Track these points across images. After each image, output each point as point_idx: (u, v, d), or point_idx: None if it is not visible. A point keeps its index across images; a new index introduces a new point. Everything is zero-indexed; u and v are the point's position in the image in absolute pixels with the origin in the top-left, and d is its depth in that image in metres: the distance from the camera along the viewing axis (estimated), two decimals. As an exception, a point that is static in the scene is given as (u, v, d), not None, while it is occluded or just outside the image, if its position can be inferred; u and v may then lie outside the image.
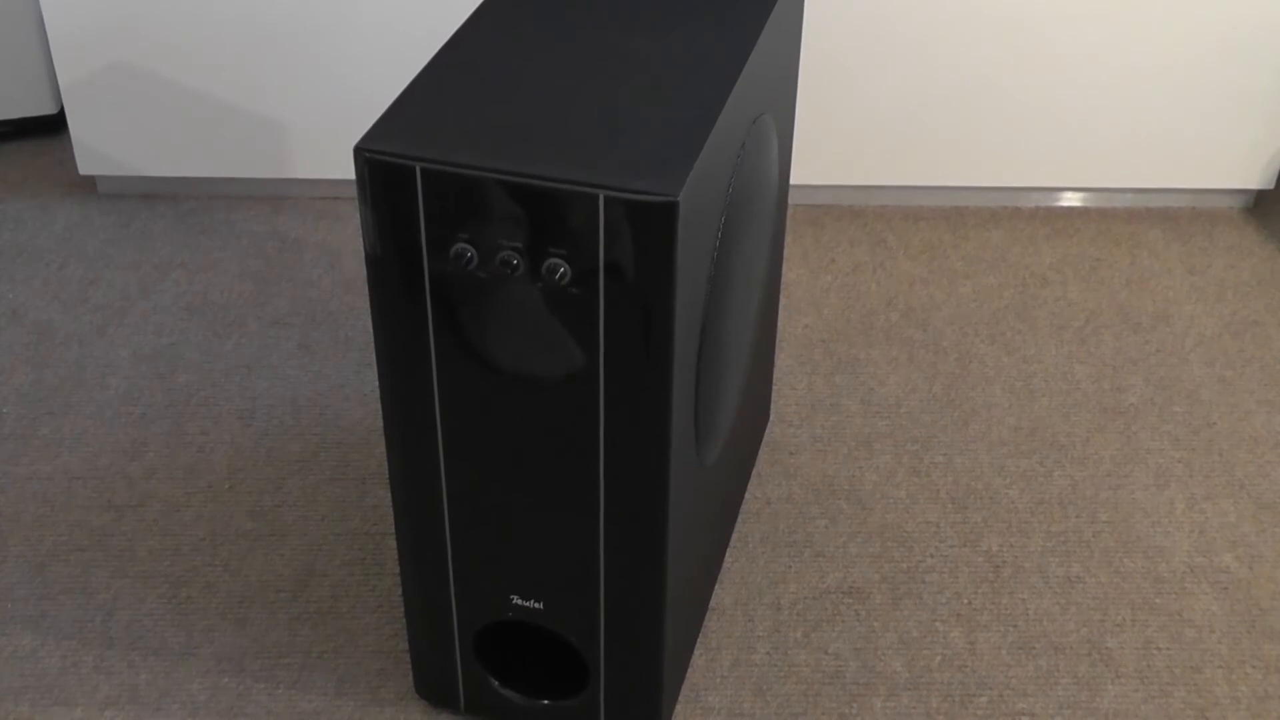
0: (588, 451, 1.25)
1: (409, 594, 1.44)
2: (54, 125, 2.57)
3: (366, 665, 1.58)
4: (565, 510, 1.30)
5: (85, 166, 2.32)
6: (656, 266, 1.13)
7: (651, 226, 1.11)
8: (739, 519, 1.75)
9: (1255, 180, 2.29)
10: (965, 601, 1.64)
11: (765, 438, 1.87)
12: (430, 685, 1.51)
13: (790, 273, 2.19)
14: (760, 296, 1.57)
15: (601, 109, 1.20)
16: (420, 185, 1.13)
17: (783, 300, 2.13)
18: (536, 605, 1.38)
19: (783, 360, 2.01)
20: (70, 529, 1.76)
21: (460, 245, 1.15)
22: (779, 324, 2.08)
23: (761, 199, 1.45)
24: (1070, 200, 2.35)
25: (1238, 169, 2.28)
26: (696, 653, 1.59)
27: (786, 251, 2.24)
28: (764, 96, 1.39)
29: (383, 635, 1.61)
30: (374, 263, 1.20)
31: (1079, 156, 2.27)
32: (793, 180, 2.33)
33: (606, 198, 1.10)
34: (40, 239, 2.29)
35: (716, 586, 1.66)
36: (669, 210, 1.10)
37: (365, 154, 1.14)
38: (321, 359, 2.02)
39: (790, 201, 2.36)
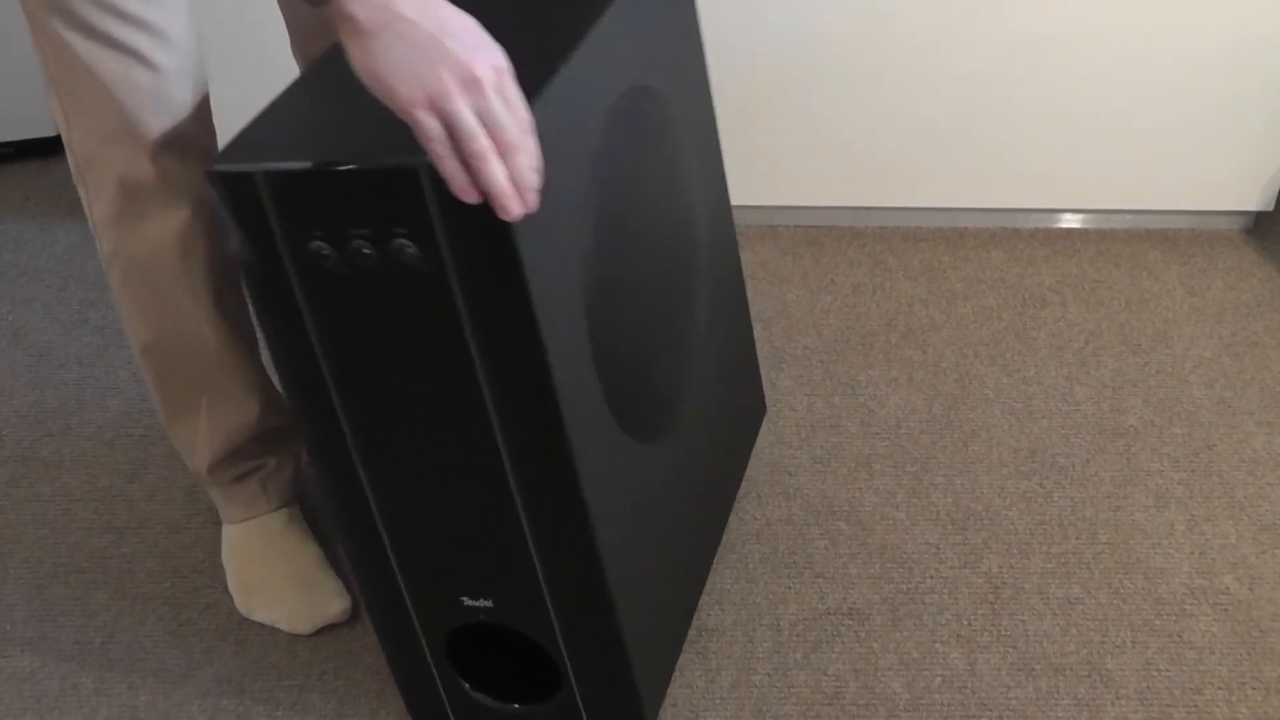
0: (484, 433, 1.26)
1: (374, 614, 1.45)
2: (55, 147, 2.57)
3: (366, 686, 1.58)
4: (484, 499, 1.31)
5: (86, 188, 2.33)
6: (493, 232, 1.14)
7: None
8: (740, 539, 1.75)
9: (1255, 202, 2.29)
10: (965, 623, 1.64)
11: (765, 457, 1.87)
12: (420, 706, 1.51)
13: (790, 293, 2.20)
14: (705, 279, 1.58)
15: None
16: (265, 190, 1.16)
17: (782, 320, 2.13)
18: (486, 604, 1.39)
19: (782, 381, 2.01)
20: (70, 551, 1.76)
21: (316, 244, 1.18)
22: (779, 344, 2.08)
23: (673, 174, 1.46)
24: (1070, 221, 2.36)
25: (1237, 190, 2.28)
26: (696, 672, 1.58)
27: (786, 272, 2.24)
28: (641, 71, 1.40)
29: (382, 656, 1.61)
30: (249, 276, 1.23)
31: (1078, 178, 2.28)
32: (793, 201, 2.33)
33: (428, 166, 1.11)
34: (40, 260, 2.29)
35: (716, 607, 1.66)
36: None
37: (215, 171, 1.17)
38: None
39: (790, 222, 2.37)
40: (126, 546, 1.76)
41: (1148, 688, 1.56)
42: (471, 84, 1.03)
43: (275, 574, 1.65)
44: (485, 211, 1.12)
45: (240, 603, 1.66)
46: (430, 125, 1.04)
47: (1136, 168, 2.26)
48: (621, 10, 1.36)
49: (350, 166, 1.13)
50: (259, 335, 1.73)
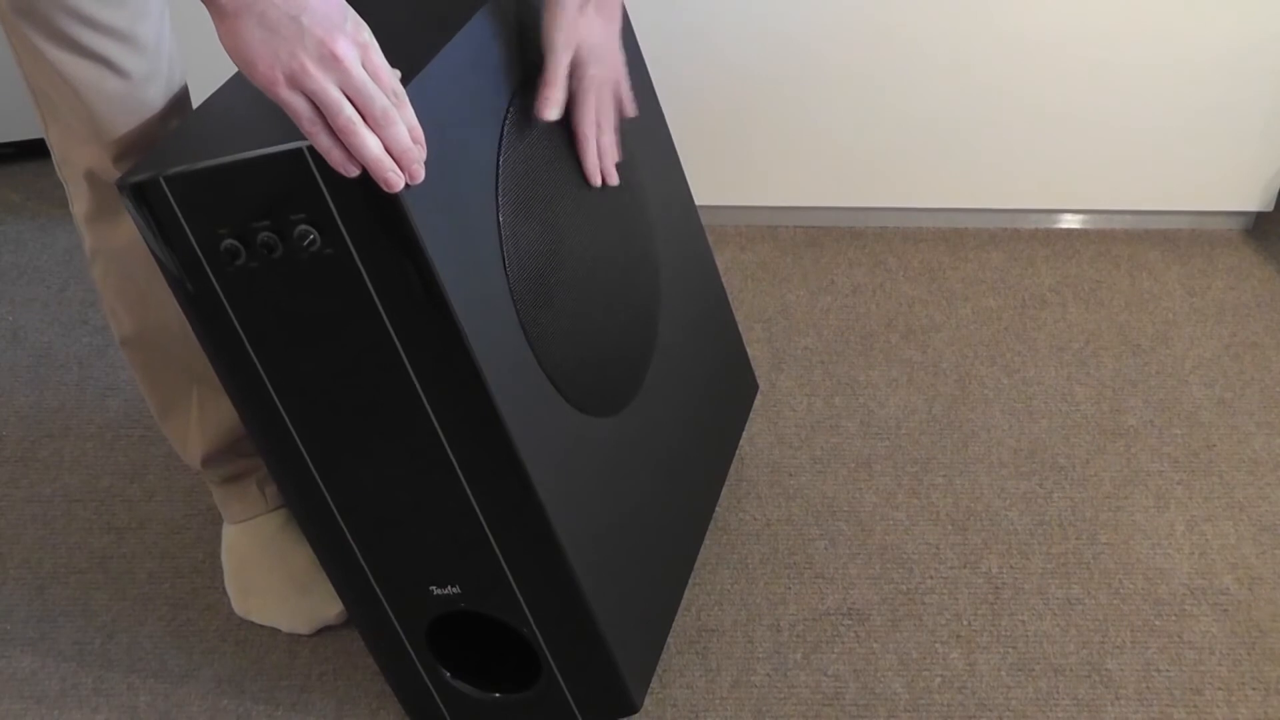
0: (420, 416, 1.27)
1: (355, 617, 1.46)
2: (55, 147, 2.57)
3: (366, 687, 1.58)
4: (432, 484, 1.32)
5: (86, 188, 2.33)
6: (383, 206, 1.15)
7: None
8: (740, 540, 1.75)
9: (1255, 202, 2.29)
10: (965, 623, 1.64)
11: (765, 458, 1.87)
12: (415, 706, 1.51)
13: (790, 294, 2.20)
14: (660, 253, 1.59)
15: None
16: (169, 193, 1.18)
17: (782, 321, 2.13)
18: (454, 590, 1.39)
19: (782, 381, 2.01)
20: (70, 551, 1.76)
21: (226, 242, 1.19)
22: (779, 345, 2.08)
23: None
24: (1070, 222, 2.36)
25: (1237, 191, 2.28)
26: (696, 673, 1.58)
27: (786, 272, 2.24)
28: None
29: (382, 657, 1.61)
30: (172, 283, 1.25)
31: (1078, 178, 2.28)
32: (792, 202, 2.33)
33: (309, 149, 1.13)
34: (40, 260, 2.29)
35: (716, 607, 1.66)
36: None
37: (123, 183, 1.19)
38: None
39: (789, 222, 2.37)
40: (126, 546, 1.76)
41: (1148, 688, 1.56)
42: (330, 60, 1.06)
43: (272, 576, 1.65)
44: (371, 185, 1.13)
45: (237, 604, 1.66)
46: (295, 103, 1.07)
47: (1136, 168, 2.26)
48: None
49: (239, 157, 1.15)
50: None
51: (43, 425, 1.95)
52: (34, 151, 2.56)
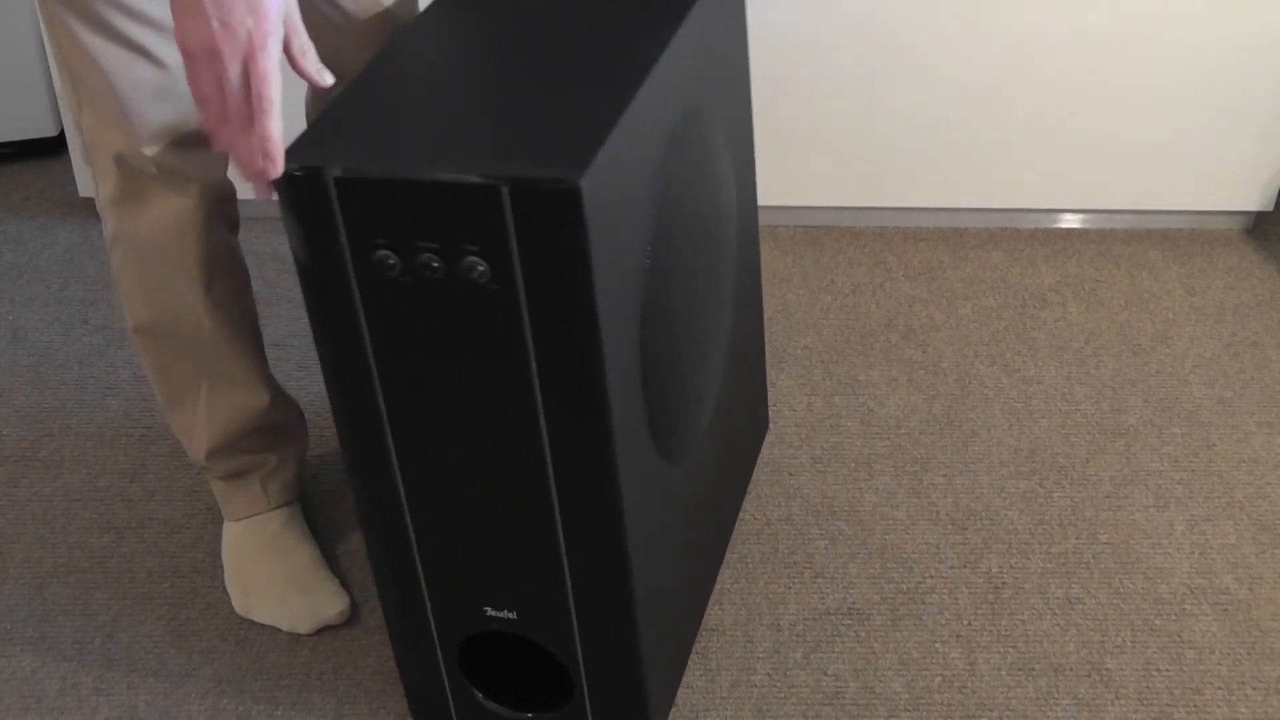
0: (533, 450, 1.26)
1: (389, 614, 1.44)
2: (55, 147, 2.58)
3: (366, 686, 1.58)
4: (522, 514, 1.30)
5: (86, 188, 2.33)
6: (570, 256, 1.13)
7: (558, 215, 1.12)
8: (739, 539, 1.75)
9: (1255, 202, 2.29)
10: (965, 622, 1.64)
11: (764, 457, 1.87)
12: (423, 707, 1.51)
13: (790, 293, 2.20)
14: (731, 296, 1.57)
15: (512, 109, 1.22)
16: (335, 193, 1.15)
17: (782, 320, 2.13)
18: (510, 615, 1.39)
19: (782, 380, 2.01)
20: (70, 550, 1.76)
21: (381, 252, 1.17)
22: (779, 344, 2.08)
23: (713, 195, 1.46)
24: (1069, 221, 2.36)
25: (1237, 190, 2.28)
26: (696, 673, 1.58)
27: (786, 272, 2.24)
28: (696, 90, 1.40)
29: (382, 656, 1.61)
30: (306, 275, 1.22)
31: (1078, 177, 2.28)
32: (792, 201, 2.33)
33: (511, 189, 1.11)
34: (41, 260, 2.29)
35: (716, 607, 1.66)
36: (572, 196, 1.10)
37: (284, 169, 1.16)
38: (320, 380, 2.02)
39: (789, 222, 2.37)
40: (126, 546, 1.76)
41: (1148, 688, 1.56)
42: (253, 56, 1.08)
43: (273, 575, 1.65)
44: (564, 235, 1.11)
45: (237, 602, 1.66)
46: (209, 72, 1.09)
47: (1136, 168, 2.26)
48: (687, 35, 1.35)
49: (430, 179, 1.12)
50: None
51: (43, 425, 1.95)
52: (34, 151, 2.56)
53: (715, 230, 1.49)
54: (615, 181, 1.17)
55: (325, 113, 1.22)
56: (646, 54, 1.29)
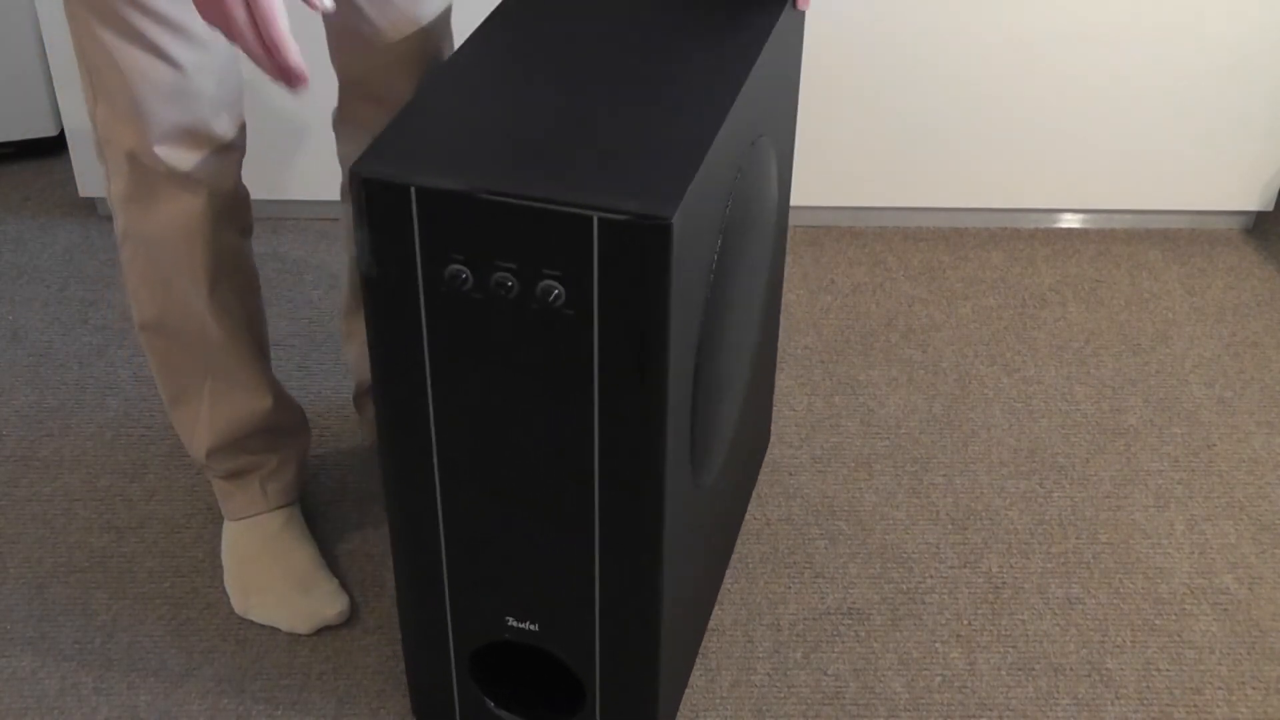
0: (583, 474, 1.25)
1: (405, 616, 1.44)
2: (55, 147, 2.57)
3: (366, 686, 1.58)
4: (561, 532, 1.30)
5: (86, 188, 2.33)
6: (651, 289, 1.12)
7: (646, 249, 1.10)
8: (740, 539, 1.75)
9: (1255, 202, 2.29)
10: (965, 622, 1.64)
11: (765, 458, 1.87)
12: (426, 707, 1.51)
13: (790, 293, 2.20)
14: (759, 318, 1.57)
15: (598, 130, 1.20)
16: (415, 206, 1.14)
17: (783, 320, 2.13)
18: (532, 627, 1.38)
19: (782, 381, 2.01)
20: (70, 550, 1.76)
21: (455, 267, 1.16)
22: (779, 344, 2.08)
23: (760, 221, 1.45)
24: (1070, 221, 2.36)
25: (1237, 190, 2.28)
26: (696, 673, 1.58)
27: (786, 272, 2.24)
28: (762, 119, 1.39)
29: (382, 656, 1.61)
30: (371, 283, 1.20)
31: (1078, 177, 2.28)
32: (792, 201, 2.33)
33: (600, 220, 1.10)
34: (41, 260, 2.29)
35: (716, 607, 1.66)
36: (663, 232, 1.09)
37: (362, 175, 1.14)
38: (321, 380, 2.02)
39: (790, 222, 2.37)
40: (126, 546, 1.76)
41: (1148, 688, 1.56)
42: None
43: (272, 575, 1.65)
44: (650, 268, 1.11)
45: (236, 602, 1.66)
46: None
47: (1136, 168, 2.26)
48: (765, 59, 1.35)
49: (519, 201, 1.11)
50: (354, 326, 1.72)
51: (43, 425, 1.95)
52: (34, 151, 2.56)
53: (759, 254, 1.49)
54: (697, 212, 1.16)
55: (398, 119, 1.21)
56: (733, 79, 1.27)
